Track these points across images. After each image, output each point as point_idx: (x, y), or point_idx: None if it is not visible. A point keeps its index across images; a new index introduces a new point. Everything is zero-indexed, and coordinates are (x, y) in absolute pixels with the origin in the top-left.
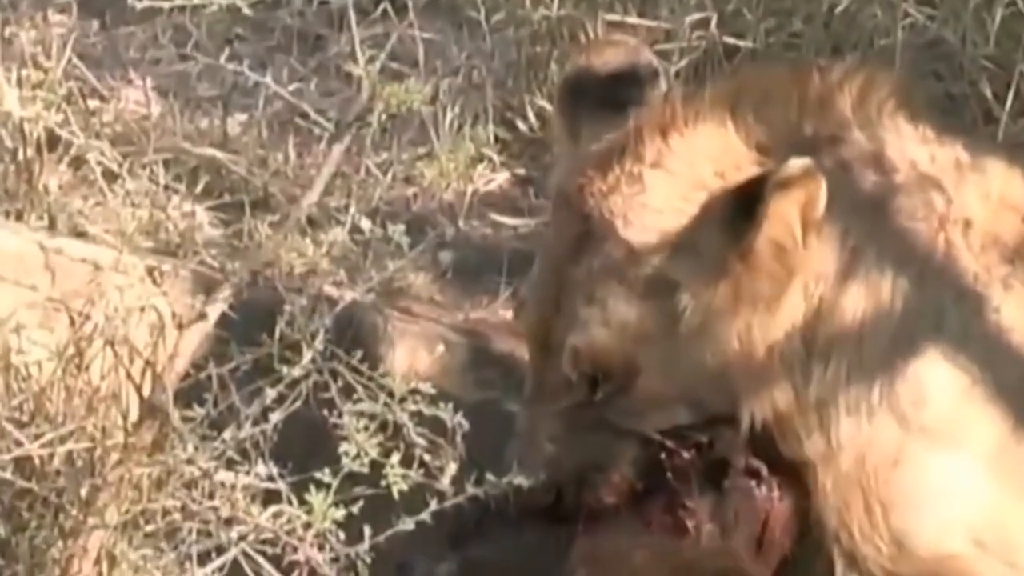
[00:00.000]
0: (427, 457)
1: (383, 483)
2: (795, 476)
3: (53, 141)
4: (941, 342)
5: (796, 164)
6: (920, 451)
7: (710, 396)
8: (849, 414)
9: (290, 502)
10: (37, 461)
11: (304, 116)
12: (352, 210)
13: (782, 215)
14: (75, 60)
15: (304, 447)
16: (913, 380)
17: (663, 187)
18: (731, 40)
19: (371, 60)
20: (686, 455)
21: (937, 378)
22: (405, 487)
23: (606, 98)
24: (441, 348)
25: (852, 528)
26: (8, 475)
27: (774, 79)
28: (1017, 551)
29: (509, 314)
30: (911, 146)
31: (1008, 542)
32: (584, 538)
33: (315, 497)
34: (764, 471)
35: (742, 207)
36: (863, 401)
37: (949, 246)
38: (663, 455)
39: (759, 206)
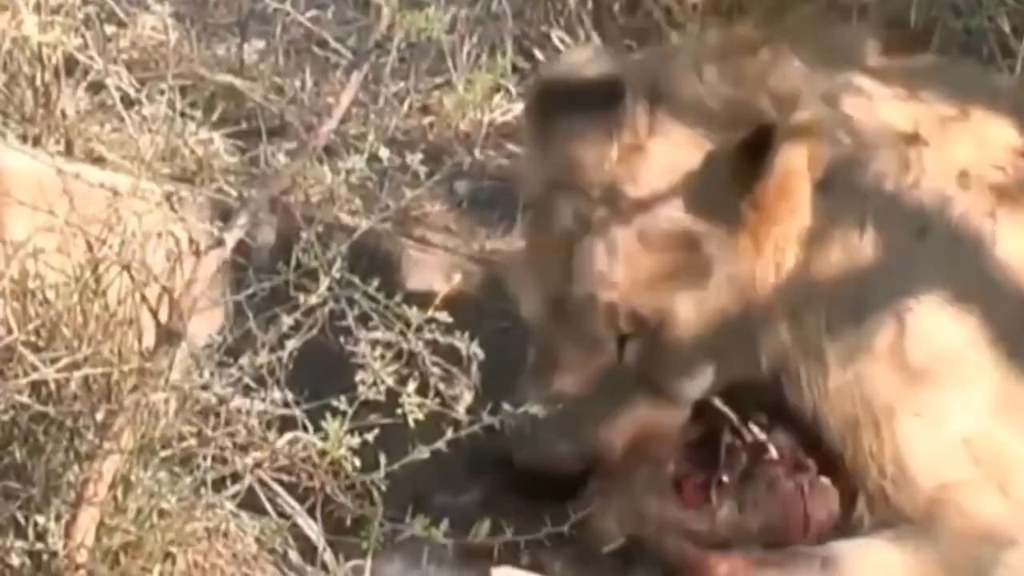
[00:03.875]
0: (442, 386)
1: (399, 411)
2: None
3: (70, 66)
4: (937, 284)
5: (806, 114)
6: (916, 392)
7: (733, 349)
8: (842, 358)
9: (305, 429)
10: (53, 385)
11: (321, 44)
12: (371, 138)
13: (791, 162)
14: None
15: (320, 375)
16: (910, 322)
17: (664, 149)
18: None
19: None
20: (755, 437)
21: (933, 318)
22: (421, 416)
23: (579, 103)
24: (458, 277)
25: (858, 448)
26: (25, 399)
27: (733, 41)
28: (1009, 471)
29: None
30: (885, 106)
31: (1002, 462)
32: (602, 479)
33: (331, 424)
34: (811, 468)
35: (750, 157)
36: (855, 345)
37: (939, 193)
38: (726, 433)
39: (769, 153)
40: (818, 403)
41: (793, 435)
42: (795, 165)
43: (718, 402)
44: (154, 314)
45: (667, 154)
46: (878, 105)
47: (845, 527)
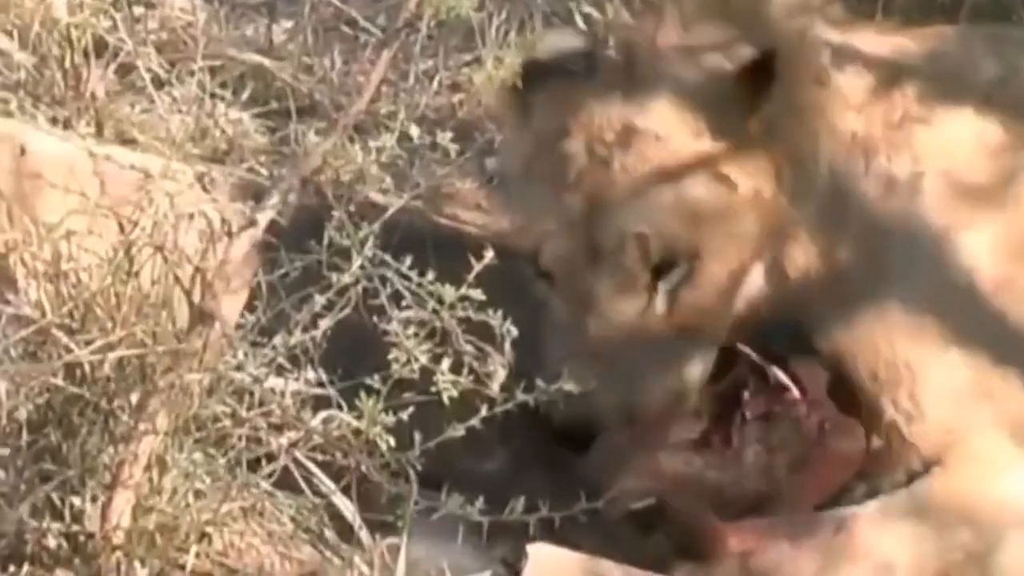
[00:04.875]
0: (476, 364)
1: (432, 390)
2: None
3: (100, 48)
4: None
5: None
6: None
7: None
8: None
9: (340, 408)
10: (88, 368)
11: (350, 23)
12: (401, 116)
13: (798, 76)
14: None
15: (353, 354)
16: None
17: (666, 90)
18: None
19: None
20: (778, 377)
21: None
22: (455, 393)
23: (557, 72)
24: (490, 254)
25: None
26: (59, 381)
27: None
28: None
29: None
30: (844, 113)
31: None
32: (630, 443)
33: (365, 403)
34: (827, 406)
35: (757, 77)
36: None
37: (905, 198)
38: (750, 378)
39: (776, 69)
40: (840, 344)
41: (816, 373)
42: (802, 79)
43: (741, 346)
44: (187, 295)
45: (672, 89)
46: (843, 111)
47: (871, 464)
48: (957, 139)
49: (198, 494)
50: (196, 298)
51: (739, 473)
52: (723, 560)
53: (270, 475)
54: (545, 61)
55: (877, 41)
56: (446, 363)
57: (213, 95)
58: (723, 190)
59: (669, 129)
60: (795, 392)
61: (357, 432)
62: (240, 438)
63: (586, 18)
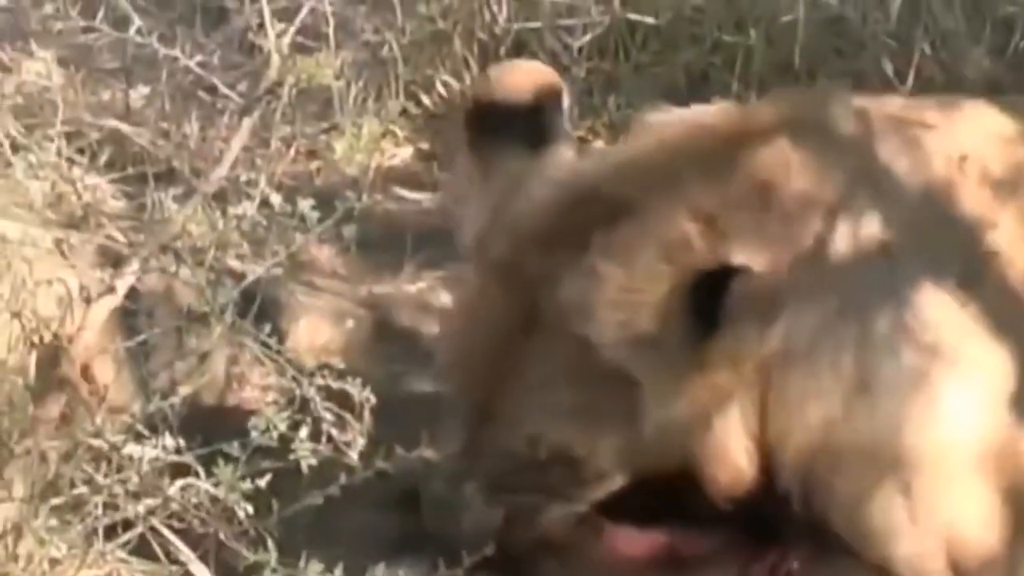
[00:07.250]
0: (335, 432)
1: (291, 457)
2: None
3: None
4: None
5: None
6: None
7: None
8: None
9: (198, 475)
10: None
11: (208, 89)
12: (262, 184)
13: (735, 344)
14: None
15: (212, 421)
16: None
17: (616, 279)
18: (634, 16)
19: (281, 33)
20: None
21: None
22: (314, 461)
23: (514, 130)
24: (350, 323)
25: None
26: None
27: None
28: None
29: (412, 288)
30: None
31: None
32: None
33: (223, 470)
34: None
35: (700, 309)
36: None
37: (948, 183)
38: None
39: (722, 308)
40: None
41: None
42: (747, 331)
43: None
44: (44, 362)
45: (621, 282)
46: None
47: None
48: None
49: (54, 562)
50: (53, 365)
51: None
52: None
53: (127, 543)
54: (501, 107)
55: None
56: (305, 431)
57: (70, 160)
58: (631, 407)
59: (601, 335)
60: None
61: (215, 500)
62: (97, 505)
63: (445, 86)
